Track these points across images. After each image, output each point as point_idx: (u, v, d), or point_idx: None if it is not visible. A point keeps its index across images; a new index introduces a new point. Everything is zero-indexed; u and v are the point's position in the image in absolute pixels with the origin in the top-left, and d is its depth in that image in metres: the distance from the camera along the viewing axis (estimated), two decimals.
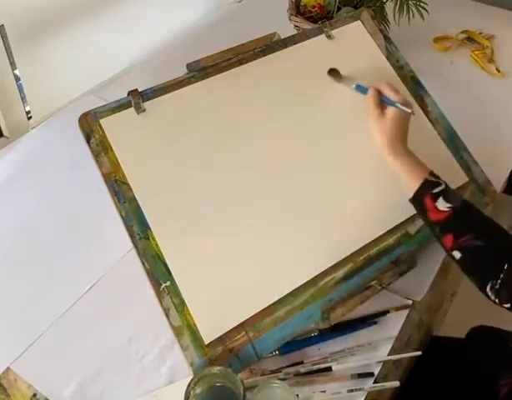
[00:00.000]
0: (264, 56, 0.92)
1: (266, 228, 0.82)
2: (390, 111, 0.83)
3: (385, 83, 0.86)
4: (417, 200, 0.79)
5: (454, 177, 0.93)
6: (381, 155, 0.83)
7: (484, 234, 0.76)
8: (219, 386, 0.68)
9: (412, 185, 0.80)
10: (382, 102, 0.85)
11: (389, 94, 0.85)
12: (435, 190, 0.78)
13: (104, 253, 0.92)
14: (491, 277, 0.73)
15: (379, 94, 0.85)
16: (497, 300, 0.73)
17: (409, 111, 0.82)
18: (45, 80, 1.21)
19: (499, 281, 0.72)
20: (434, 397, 0.90)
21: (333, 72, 0.94)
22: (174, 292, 0.75)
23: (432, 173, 0.80)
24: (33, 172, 1.06)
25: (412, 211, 0.86)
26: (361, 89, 0.89)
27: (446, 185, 0.79)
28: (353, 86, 0.91)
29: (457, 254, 0.76)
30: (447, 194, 0.78)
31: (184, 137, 0.83)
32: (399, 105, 0.83)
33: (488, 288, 0.73)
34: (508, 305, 0.73)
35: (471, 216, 0.78)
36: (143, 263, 0.75)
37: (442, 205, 0.77)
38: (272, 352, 0.78)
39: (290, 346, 0.79)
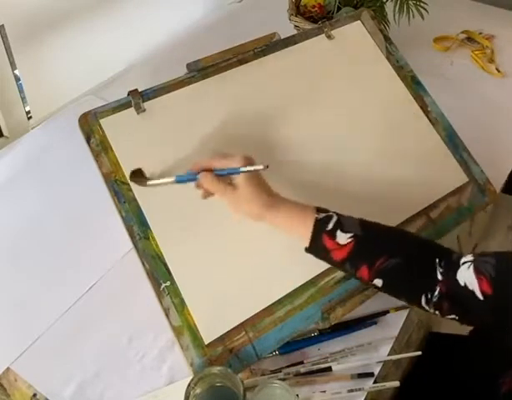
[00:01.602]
0: (264, 56, 0.92)
1: (266, 228, 0.81)
2: (240, 179, 0.72)
3: (211, 158, 0.74)
4: (316, 246, 0.71)
5: (454, 177, 0.93)
6: (262, 225, 0.74)
7: (397, 249, 0.70)
8: (219, 386, 0.68)
9: (303, 232, 0.71)
10: (221, 177, 0.73)
11: (225, 164, 0.73)
12: (330, 226, 0.70)
13: (104, 253, 0.92)
14: (422, 290, 0.69)
15: (212, 172, 0.73)
16: (437, 312, 0.69)
17: (261, 167, 0.71)
18: (45, 80, 1.21)
19: (435, 293, 0.68)
20: (434, 396, 0.90)
21: (136, 175, 0.77)
22: (174, 292, 0.75)
23: (319, 209, 0.72)
24: (33, 172, 1.06)
25: (412, 211, 0.86)
26: (186, 178, 0.75)
27: (337, 214, 0.72)
28: (172, 179, 0.75)
29: (379, 282, 0.70)
30: (342, 224, 0.70)
31: (184, 137, 0.84)
32: (245, 168, 0.71)
33: (423, 302, 0.69)
34: (452, 316, 0.69)
35: (375, 236, 0.72)
36: (143, 263, 0.75)
37: (342, 238, 0.69)
38: (272, 352, 0.78)
39: (290, 346, 0.79)
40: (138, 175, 0.77)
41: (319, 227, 0.70)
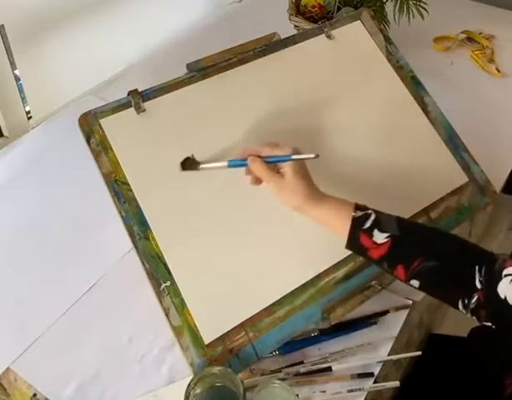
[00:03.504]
0: (264, 56, 0.92)
1: (266, 228, 0.82)
2: (288, 169, 0.73)
3: (261, 146, 0.76)
4: (353, 244, 0.72)
5: (454, 177, 0.93)
6: (299, 216, 0.74)
7: (434, 252, 0.69)
8: (219, 386, 0.68)
9: (341, 229, 0.72)
10: (270, 164, 0.74)
11: (276, 152, 0.74)
12: (367, 224, 0.70)
13: (104, 253, 0.92)
14: (459, 295, 0.68)
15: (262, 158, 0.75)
16: (474, 318, 0.68)
17: (312, 156, 0.72)
18: (45, 80, 1.21)
19: (472, 300, 0.66)
20: (434, 396, 0.89)
21: (185, 164, 0.78)
22: (174, 292, 0.75)
23: (357, 206, 0.72)
24: (33, 172, 1.06)
25: (412, 211, 0.86)
26: (238, 163, 0.77)
27: (375, 212, 0.72)
28: (225, 164, 0.77)
29: (415, 283, 0.70)
30: (379, 223, 0.70)
31: (184, 137, 0.84)
32: (296, 156, 0.72)
33: (460, 307, 0.68)
34: (489, 323, 0.67)
35: (412, 237, 0.72)
36: (143, 263, 0.75)
37: (379, 237, 0.70)
38: (272, 352, 0.78)
39: (290, 346, 0.79)
40: (188, 163, 0.79)
41: (356, 226, 0.71)
